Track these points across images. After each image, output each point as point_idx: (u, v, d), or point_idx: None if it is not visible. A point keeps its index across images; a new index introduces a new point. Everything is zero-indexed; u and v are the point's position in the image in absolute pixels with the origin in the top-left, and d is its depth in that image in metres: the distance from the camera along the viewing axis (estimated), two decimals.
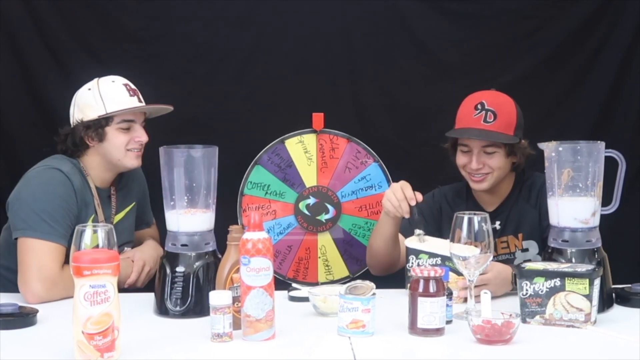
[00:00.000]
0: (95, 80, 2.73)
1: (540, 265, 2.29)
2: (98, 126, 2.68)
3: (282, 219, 2.78)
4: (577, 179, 2.37)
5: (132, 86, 2.74)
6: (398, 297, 2.51)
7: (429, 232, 2.64)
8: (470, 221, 2.23)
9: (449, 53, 3.59)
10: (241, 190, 2.77)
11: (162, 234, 2.53)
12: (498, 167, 2.74)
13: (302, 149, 2.79)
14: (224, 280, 2.20)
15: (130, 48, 3.53)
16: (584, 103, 3.57)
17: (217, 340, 2.08)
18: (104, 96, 2.68)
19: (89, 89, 2.71)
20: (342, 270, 2.79)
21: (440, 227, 2.78)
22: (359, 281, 2.19)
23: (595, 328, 2.20)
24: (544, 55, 3.57)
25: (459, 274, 2.39)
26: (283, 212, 2.78)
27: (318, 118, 2.78)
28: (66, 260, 2.53)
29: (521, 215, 2.79)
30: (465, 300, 2.37)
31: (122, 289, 2.13)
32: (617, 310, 2.41)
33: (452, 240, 2.25)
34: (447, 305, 2.20)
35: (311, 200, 2.78)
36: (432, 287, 2.13)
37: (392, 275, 2.60)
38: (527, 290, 2.25)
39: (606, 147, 2.40)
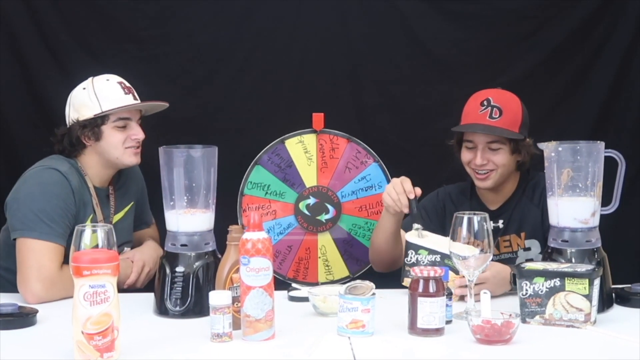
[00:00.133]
0: (90, 79, 2.73)
1: (540, 265, 2.29)
2: (94, 125, 2.68)
3: (282, 219, 2.78)
4: (577, 179, 2.37)
5: (127, 84, 2.74)
6: (398, 297, 2.51)
7: (432, 230, 2.65)
8: (470, 221, 2.23)
9: (449, 53, 3.59)
10: (241, 190, 2.77)
11: (162, 234, 2.53)
12: (502, 164, 2.74)
13: (302, 149, 2.79)
14: (223, 280, 2.20)
15: (130, 48, 3.53)
16: (584, 103, 3.57)
17: (217, 340, 2.08)
18: (99, 95, 2.68)
19: (84, 88, 2.71)
20: (342, 271, 2.79)
21: (444, 225, 2.77)
22: (358, 281, 2.19)
23: (595, 328, 2.20)
24: (544, 55, 3.57)
25: (456, 272, 2.39)
26: (283, 212, 2.78)
27: (318, 118, 2.78)
28: (65, 260, 2.53)
29: (524, 214, 2.79)
30: (462, 298, 2.37)
31: (121, 290, 2.13)
32: (617, 310, 2.41)
33: (453, 240, 2.25)
34: (447, 305, 2.20)
35: (311, 200, 2.78)
36: (431, 287, 2.13)
37: (392, 276, 2.60)
38: (526, 290, 2.25)
39: (606, 147, 2.40)
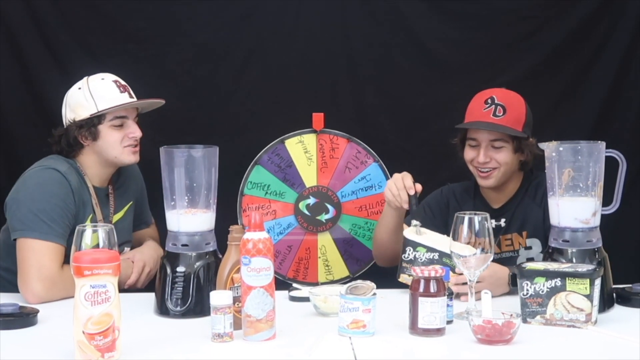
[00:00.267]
0: (85, 79, 2.73)
1: (540, 265, 2.29)
2: (91, 125, 2.68)
3: (282, 219, 2.78)
4: (578, 179, 2.37)
5: (122, 82, 2.74)
6: (399, 297, 2.51)
7: (436, 226, 2.66)
8: (470, 221, 2.23)
9: (449, 53, 3.59)
10: (241, 190, 2.77)
11: (163, 234, 2.53)
12: (505, 162, 2.75)
13: (302, 149, 2.79)
14: (224, 280, 2.20)
15: (130, 48, 3.52)
16: (584, 103, 3.57)
17: (218, 340, 2.08)
18: (94, 94, 2.68)
19: (79, 88, 2.71)
20: (342, 271, 2.79)
21: (447, 222, 2.78)
22: (359, 281, 2.19)
23: (596, 328, 2.20)
24: (543, 55, 3.57)
25: (453, 270, 2.39)
26: (283, 212, 2.78)
27: (318, 118, 2.78)
28: (65, 260, 2.53)
29: (526, 214, 2.79)
30: (457, 296, 2.37)
31: (122, 290, 2.13)
32: (617, 310, 2.42)
33: (454, 240, 2.25)
34: (448, 305, 2.20)
35: (311, 200, 2.78)
36: (432, 287, 2.13)
37: (393, 276, 2.60)
38: (527, 290, 2.24)
39: (606, 147, 2.40)
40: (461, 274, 2.32)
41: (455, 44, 3.59)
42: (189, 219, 2.38)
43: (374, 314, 2.13)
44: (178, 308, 2.34)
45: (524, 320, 2.21)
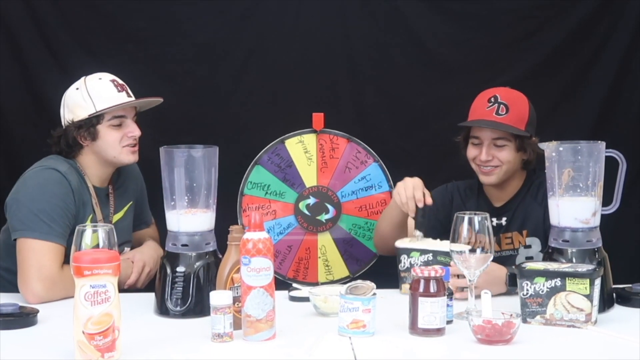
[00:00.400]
0: (82, 79, 2.72)
1: (540, 265, 2.29)
2: (89, 125, 2.68)
3: (282, 219, 2.78)
4: (578, 179, 2.37)
5: (120, 81, 2.73)
6: (399, 297, 2.52)
7: (438, 220, 2.70)
8: (470, 221, 2.23)
9: (449, 53, 3.60)
10: (241, 190, 2.77)
11: (163, 234, 2.53)
12: (507, 160, 2.75)
13: (302, 149, 2.78)
14: (224, 280, 2.20)
15: (130, 48, 3.53)
16: (584, 103, 3.58)
17: (218, 340, 2.08)
18: (92, 94, 2.67)
19: (77, 89, 2.71)
20: (342, 271, 2.79)
21: (450, 216, 2.77)
22: (359, 281, 2.19)
23: (596, 328, 2.20)
24: (543, 55, 3.57)
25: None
26: (283, 212, 2.78)
27: (318, 118, 2.78)
28: (66, 260, 2.53)
29: (527, 213, 2.80)
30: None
31: (122, 290, 2.13)
32: (617, 310, 2.41)
33: (453, 240, 2.25)
34: (448, 305, 2.20)
35: (311, 200, 2.78)
36: (432, 287, 2.13)
37: (393, 276, 2.60)
38: (527, 290, 2.24)
39: (606, 147, 2.40)
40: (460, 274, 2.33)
41: (455, 44, 3.59)
42: (189, 219, 2.38)
43: (374, 314, 2.13)
44: (178, 308, 2.34)
45: (524, 320, 2.21)
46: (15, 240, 2.58)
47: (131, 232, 2.91)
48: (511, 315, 2.09)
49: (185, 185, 2.37)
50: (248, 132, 3.47)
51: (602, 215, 2.41)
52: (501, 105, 2.73)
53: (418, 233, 2.59)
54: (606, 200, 2.43)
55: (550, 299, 2.22)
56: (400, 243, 2.57)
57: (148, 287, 2.68)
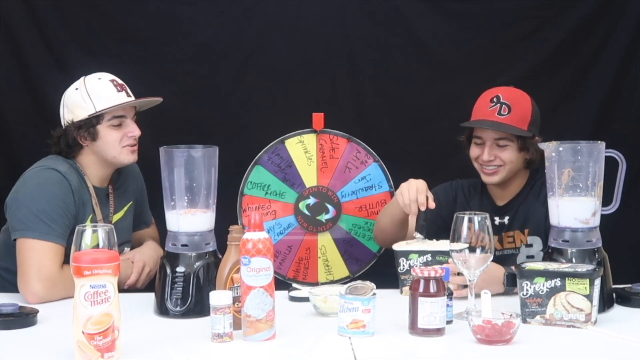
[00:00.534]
0: (82, 79, 2.72)
1: (540, 265, 2.29)
2: (89, 125, 2.68)
3: (282, 219, 2.78)
4: (578, 179, 2.37)
5: (119, 81, 2.73)
6: (398, 297, 2.52)
7: (441, 216, 2.70)
8: (470, 221, 2.23)
9: (449, 53, 3.60)
10: (241, 190, 2.77)
11: (163, 234, 2.53)
12: (510, 160, 2.76)
13: (302, 149, 2.79)
14: (224, 280, 2.20)
15: (130, 48, 3.53)
16: (584, 103, 3.58)
17: (218, 340, 2.08)
18: (92, 94, 2.67)
19: (76, 89, 2.70)
20: (342, 271, 2.79)
21: (453, 214, 2.78)
22: (359, 281, 2.19)
23: (596, 328, 2.20)
24: (543, 55, 3.57)
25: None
26: (283, 212, 2.78)
27: (318, 118, 2.78)
28: (65, 260, 2.53)
29: (529, 212, 2.80)
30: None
31: (122, 290, 2.13)
32: (617, 310, 2.41)
33: (453, 240, 2.25)
34: (448, 305, 2.20)
35: (311, 200, 2.78)
36: (432, 287, 2.13)
37: (393, 276, 2.60)
38: (527, 290, 2.24)
39: (606, 147, 2.40)
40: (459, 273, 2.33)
41: (455, 44, 3.59)
42: (189, 219, 2.38)
43: (373, 314, 2.13)
44: (178, 308, 2.34)
45: (524, 320, 2.21)
46: (15, 240, 2.58)
47: (131, 232, 2.91)
48: (511, 315, 2.09)
49: (185, 185, 2.37)
50: (248, 132, 3.47)
51: (602, 215, 2.41)
52: (503, 106, 2.73)
53: (418, 236, 2.58)
54: (606, 200, 2.43)
55: (550, 299, 2.22)
56: (398, 246, 2.57)
57: (148, 287, 2.69)
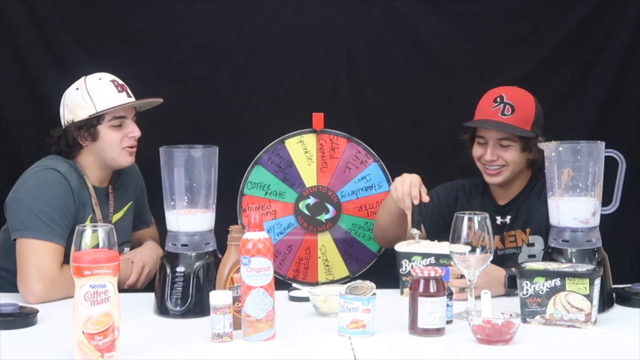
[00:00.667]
0: (82, 79, 2.72)
1: (540, 265, 2.29)
2: (90, 126, 2.68)
3: (282, 219, 2.78)
4: (577, 179, 2.37)
5: (120, 81, 2.73)
6: (398, 297, 2.52)
7: (441, 216, 2.71)
8: (470, 221, 2.23)
9: (449, 53, 3.59)
10: (241, 190, 2.77)
11: (163, 234, 2.53)
12: (512, 160, 2.76)
13: (302, 149, 2.79)
14: (224, 280, 2.20)
15: (130, 48, 3.53)
16: (584, 103, 3.57)
17: (218, 340, 2.08)
18: (92, 95, 2.67)
19: (77, 89, 2.70)
20: (342, 270, 2.79)
21: (453, 214, 2.78)
22: (359, 281, 2.19)
23: (596, 328, 2.20)
24: (543, 55, 3.57)
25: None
26: (283, 212, 2.78)
27: (318, 118, 2.78)
28: (65, 260, 2.53)
29: (531, 211, 2.81)
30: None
31: (121, 290, 2.13)
32: (617, 310, 2.42)
33: (453, 241, 2.25)
34: (448, 305, 2.20)
35: (311, 200, 2.78)
36: (432, 287, 2.13)
37: (393, 276, 2.60)
38: (527, 290, 2.24)
39: (606, 147, 2.41)
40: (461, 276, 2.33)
41: (455, 44, 3.59)
42: (189, 219, 2.38)
43: (373, 314, 2.13)
44: (178, 308, 2.34)
45: (524, 320, 2.21)
46: (15, 240, 2.58)
47: (131, 232, 2.91)
48: (511, 315, 2.09)
49: (185, 185, 2.37)
50: (248, 132, 3.47)
51: (602, 215, 2.41)
52: (507, 106, 2.73)
53: (415, 231, 2.58)
54: (606, 200, 2.43)
55: (550, 298, 2.22)
56: (400, 247, 2.56)
57: (148, 287, 2.69)
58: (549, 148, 2.40)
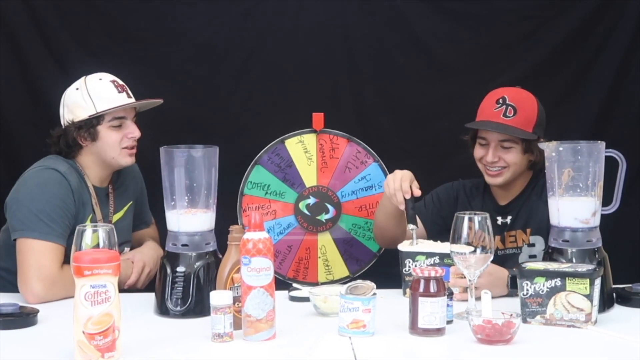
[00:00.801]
0: (82, 78, 2.72)
1: (540, 265, 2.29)
2: (90, 126, 2.68)
3: (282, 219, 2.78)
4: (578, 179, 2.37)
5: (120, 82, 2.73)
6: (398, 297, 2.52)
7: (442, 217, 2.72)
8: (470, 221, 2.23)
9: (449, 53, 3.59)
10: (241, 190, 2.77)
11: (163, 234, 2.53)
12: (514, 162, 2.76)
13: (302, 148, 2.79)
14: (224, 280, 2.20)
15: (130, 48, 3.53)
16: (584, 103, 3.57)
17: (218, 340, 2.08)
18: (92, 95, 2.67)
19: (77, 89, 2.70)
20: (342, 270, 2.79)
21: (454, 214, 2.78)
22: (359, 281, 2.19)
23: (596, 328, 2.20)
24: (543, 55, 3.57)
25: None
26: (283, 212, 2.78)
27: (318, 118, 2.78)
28: (65, 260, 2.53)
29: (532, 211, 2.81)
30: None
31: (122, 290, 2.12)
32: (617, 310, 2.42)
33: (453, 241, 2.25)
34: (448, 305, 2.20)
35: (311, 200, 2.78)
36: (432, 287, 2.13)
37: (394, 276, 2.60)
38: (527, 290, 2.24)
39: (606, 147, 2.41)
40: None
41: (455, 44, 3.59)
42: (189, 219, 2.38)
43: (373, 314, 2.13)
44: (178, 308, 2.34)
45: (524, 320, 2.21)
46: (15, 240, 2.58)
47: (131, 232, 2.91)
48: (511, 315, 2.09)
49: (186, 185, 2.37)
50: (248, 132, 3.47)
51: (602, 215, 2.41)
52: (509, 107, 2.73)
53: (412, 227, 2.58)
54: (606, 200, 2.43)
55: (550, 298, 2.22)
56: (404, 247, 2.56)
57: (148, 287, 2.69)
58: (549, 148, 2.40)
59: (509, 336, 2.06)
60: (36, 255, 2.53)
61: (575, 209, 2.37)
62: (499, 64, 3.56)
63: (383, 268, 2.77)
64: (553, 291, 2.22)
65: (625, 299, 2.44)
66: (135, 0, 3.53)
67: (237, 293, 2.16)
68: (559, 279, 2.21)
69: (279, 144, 2.78)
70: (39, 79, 3.49)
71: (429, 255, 2.51)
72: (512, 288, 2.44)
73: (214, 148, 2.42)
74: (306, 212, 2.77)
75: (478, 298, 2.21)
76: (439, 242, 2.56)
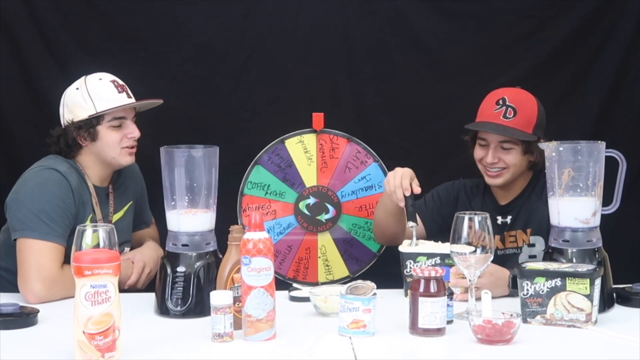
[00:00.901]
0: (83, 78, 2.72)
1: (541, 265, 2.29)
2: (89, 126, 2.68)
3: (282, 219, 2.78)
4: (578, 179, 2.37)
5: (120, 82, 2.73)
6: (399, 297, 2.52)
7: (442, 215, 2.72)
8: (471, 220, 2.23)
9: (449, 53, 3.59)
10: (241, 190, 2.77)
11: (163, 234, 2.53)
12: (514, 163, 2.76)
13: (302, 148, 2.79)
14: (224, 280, 2.20)
15: (130, 48, 3.52)
16: (584, 103, 3.57)
17: (218, 340, 2.08)
18: (92, 95, 2.67)
19: (77, 89, 2.70)
20: (342, 270, 2.79)
21: (454, 213, 2.78)
22: (359, 281, 2.19)
23: (596, 328, 2.20)
24: (543, 55, 3.57)
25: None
26: (283, 212, 2.78)
27: (318, 118, 2.78)
28: (66, 260, 2.53)
29: (532, 211, 2.80)
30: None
31: (122, 290, 2.13)
32: (618, 310, 2.42)
33: (453, 241, 2.25)
34: (448, 305, 2.20)
35: (311, 200, 2.78)
36: (432, 287, 2.13)
37: (394, 276, 2.60)
38: (528, 290, 2.24)
39: (606, 147, 2.41)
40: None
41: (455, 44, 3.59)
42: (189, 219, 2.38)
43: (374, 314, 2.14)
44: (178, 308, 2.34)
45: (524, 320, 2.21)
46: (15, 240, 2.58)
47: (131, 232, 2.91)
48: (511, 315, 2.09)
49: (186, 185, 2.37)
50: (248, 132, 3.47)
51: (602, 215, 2.41)
52: (509, 109, 2.73)
53: (411, 224, 2.58)
54: (606, 200, 2.44)
55: (550, 298, 2.22)
56: (405, 249, 2.56)
57: (148, 287, 2.69)
58: (550, 148, 2.40)
59: (509, 336, 2.06)
60: (36, 255, 2.53)
61: (575, 209, 2.37)
62: (499, 64, 3.56)
63: (383, 268, 2.77)
64: (553, 291, 2.22)
65: (626, 299, 2.45)
66: (135, 0, 3.53)
67: (238, 293, 2.16)
68: (559, 279, 2.21)
69: (279, 144, 2.78)
70: (39, 79, 3.49)
71: (430, 256, 2.51)
72: (514, 288, 2.43)
73: (214, 148, 2.42)
74: (306, 212, 2.77)
75: (479, 298, 2.21)
76: (439, 242, 2.56)
